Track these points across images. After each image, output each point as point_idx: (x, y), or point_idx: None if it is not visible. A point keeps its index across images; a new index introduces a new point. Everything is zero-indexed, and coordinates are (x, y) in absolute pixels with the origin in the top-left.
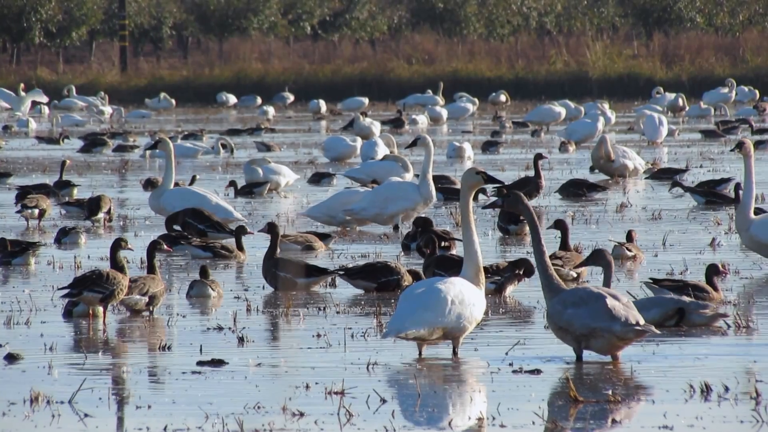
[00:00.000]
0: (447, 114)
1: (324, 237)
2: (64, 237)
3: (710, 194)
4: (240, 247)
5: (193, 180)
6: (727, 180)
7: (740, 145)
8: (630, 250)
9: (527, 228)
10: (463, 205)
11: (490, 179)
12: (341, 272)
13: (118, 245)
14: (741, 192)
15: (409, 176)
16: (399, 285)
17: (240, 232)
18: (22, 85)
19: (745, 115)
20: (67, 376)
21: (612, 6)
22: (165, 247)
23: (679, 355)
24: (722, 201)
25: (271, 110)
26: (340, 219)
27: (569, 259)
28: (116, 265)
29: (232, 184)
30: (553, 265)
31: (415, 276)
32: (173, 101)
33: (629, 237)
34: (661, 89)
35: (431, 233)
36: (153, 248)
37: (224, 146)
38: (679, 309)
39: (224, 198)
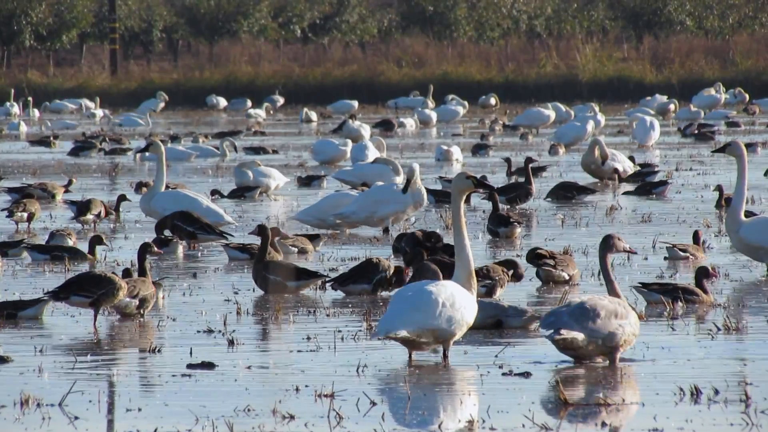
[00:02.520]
0: (437, 117)
1: (313, 238)
2: (51, 240)
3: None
4: (275, 248)
5: (213, 193)
6: (665, 183)
7: (725, 147)
8: (685, 251)
9: (517, 231)
10: (454, 210)
11: (481, 184)
12: (328, 279)
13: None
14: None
15: (399, 179)
16: (390, 282)
17: (274, 233)
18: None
19: (718, 117)
20: (57, 378)
21: (602, 9)
22: (156, 249)
23: (669, 358)
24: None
25: (261, 113)
26: (330, 222)
27: (562, 260)
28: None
29: (216, 192)
30: (545, 265)
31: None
32: (162, 101)
33: (695, 237)
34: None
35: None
36: (144, 251)
37: (234, 148)
38: (495, 315)
39: (214, 200)
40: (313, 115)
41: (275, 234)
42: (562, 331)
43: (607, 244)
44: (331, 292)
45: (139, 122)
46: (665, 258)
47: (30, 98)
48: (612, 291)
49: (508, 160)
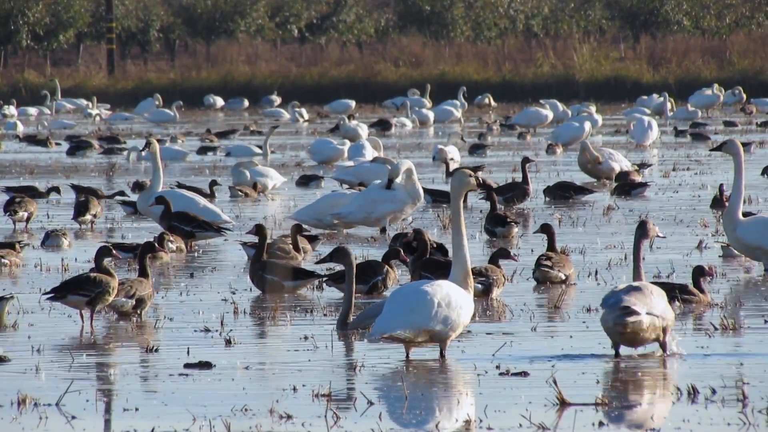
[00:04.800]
0: (434, 116)
1: (312, 239)
2: (47, 240)
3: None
4: (297, 248)
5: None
6: (644, 185)
7: (721, 146)
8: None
9: (514, 230)
10: (454, 209)
11: (481, 183)
12: (325, 278)
13: (103, 253)
14: (726, 194)
15: (398, 179)
16: (386, 284)
17: (296, 231)
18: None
19: (687, 118)
20: (54, 378)
21: (599, 9)
22: (158, 248)
23: (666, 358)
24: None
25: (286, 115)
26: (327, 222)
27: (557, 261)
28: (101, 269)
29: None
30: (543, 266)
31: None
32: (159, 101)
33: None
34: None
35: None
36: (144, 251)
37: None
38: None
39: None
40: (304, 113)
41: (297, 230)
42: (632, 308)
43: (643, 230)
44: (328, 291)
45: (170, 114)
46: (720, 256)
47: (52, 95)
48: (637, 275)
49: (445, 162)
